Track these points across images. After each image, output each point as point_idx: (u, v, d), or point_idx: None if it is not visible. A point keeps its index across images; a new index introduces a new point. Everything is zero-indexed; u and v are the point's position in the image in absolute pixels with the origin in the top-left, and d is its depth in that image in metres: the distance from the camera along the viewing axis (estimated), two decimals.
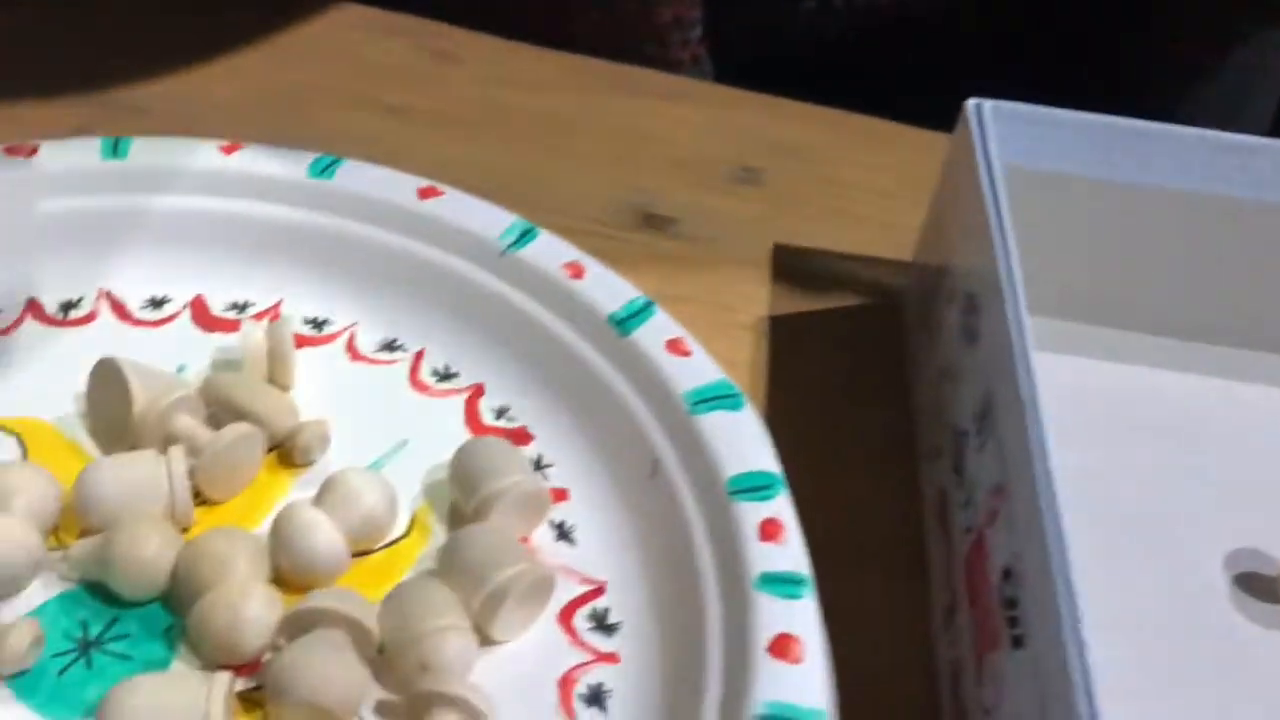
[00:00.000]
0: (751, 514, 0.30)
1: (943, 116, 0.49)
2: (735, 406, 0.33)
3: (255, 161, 0.39)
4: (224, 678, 0.26)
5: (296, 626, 0.28)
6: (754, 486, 0.31)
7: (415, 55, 0.52)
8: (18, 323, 0.37)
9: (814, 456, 0.35)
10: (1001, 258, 0.31)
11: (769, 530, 0.30)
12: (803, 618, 0.28)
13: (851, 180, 0.48)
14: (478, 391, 0.36)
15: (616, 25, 0.53)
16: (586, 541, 0.33)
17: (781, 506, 0.30)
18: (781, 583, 0.28)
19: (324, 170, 0.39)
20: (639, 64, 0.52)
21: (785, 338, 0.40)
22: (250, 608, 0.27)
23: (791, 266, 0.43)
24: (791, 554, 0.29)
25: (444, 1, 0.53)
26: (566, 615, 0.31)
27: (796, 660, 0.27)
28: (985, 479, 0.29)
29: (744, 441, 0.32)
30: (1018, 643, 0.25)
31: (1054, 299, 0.38)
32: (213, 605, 0.27)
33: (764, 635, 0.27)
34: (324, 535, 0.29)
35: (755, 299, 0.42)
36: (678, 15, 0.53)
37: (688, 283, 0.42)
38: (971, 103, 0.37)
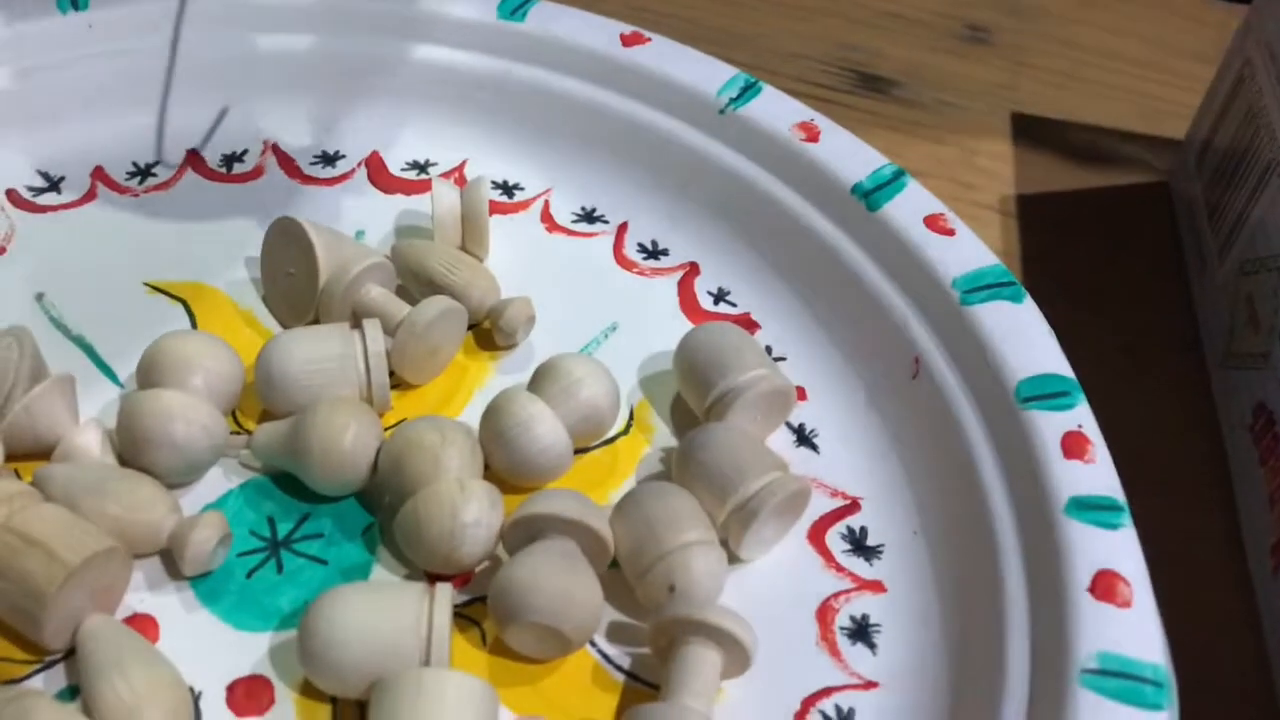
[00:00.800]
0: (1050, 425, 0.25)
1: None
2: (1015, 298, 0.27)
3: (440, 0, 0.34)
4: (446, 590, 0.22)
5: (521, 533, 0.24)
6: (1049, 393, 0.26)
7: None
8: (177, 177, 0.33)
9: (1083, 359, 0.29)
10: None
11: (1074, 445, 0.25)
12: (1126, 551, 0.23)
13: (1092, 45, 0.42)
14: (693, 271, 0.32)
15: None
16: (833, 449, 0.28)
17: (1084, 417, 0.25)
18: (1096, 509, 0.24)
19: (514, 12, 0.34)
20: None
21: (1036, 221, 0.35)
22: (471, 509, 0.23)
23: (1035, 140, 0.38)
24: (1103, 474, 0.24)
25: None
26: (818, 533, 0.26)
27: (1125, 603, 0.22)
28: None
29: (1030, 339, 0.27)
30: None
31: None
32: (429, 504, 0.23)
33: (1084, 572, 0.22)
34: (547, 429, 0.25)
35: (998, 175, 0.36)
36: None
37: (919, 155, 0.37)
38: None
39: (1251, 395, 0.28)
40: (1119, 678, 0.21)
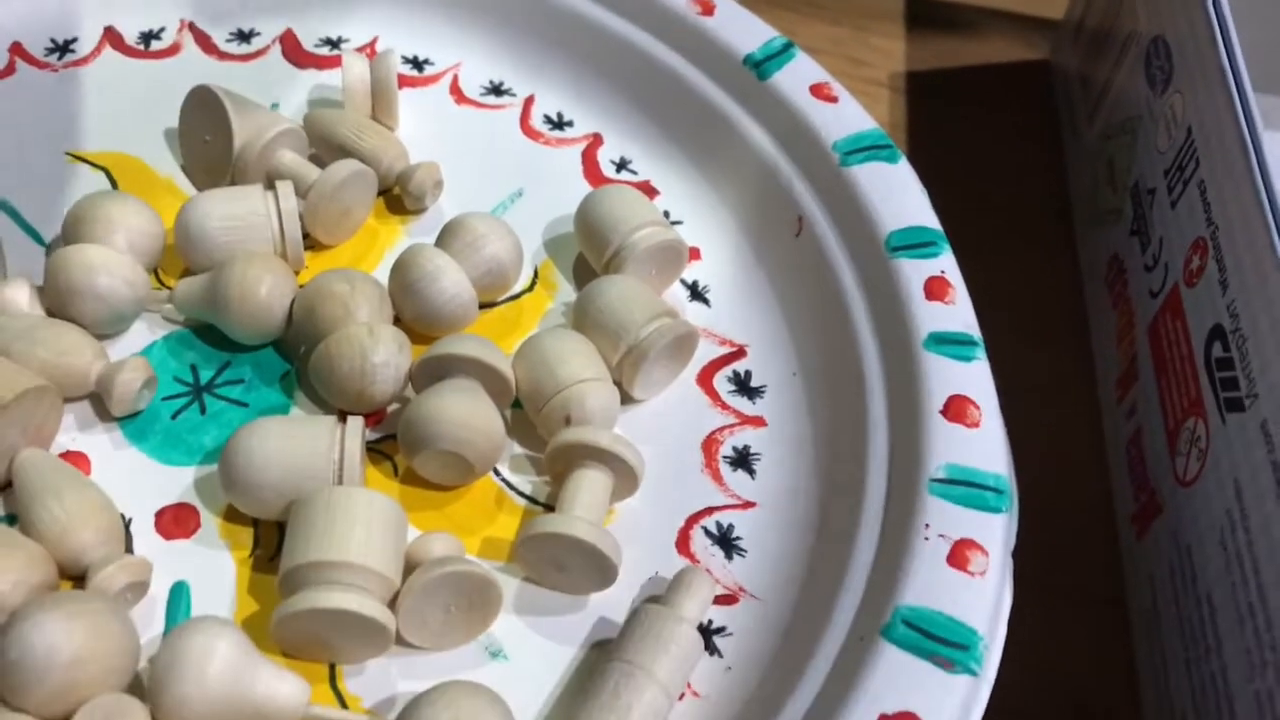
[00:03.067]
0: (915, 271, 0.27)
1: None
2: (891, 159, 0.30)
3: None
4: (357, 421, 0.24)
5: (428, 374, 0.26)
6: (916, 243, 0.28)
7: None
8: (96, 53, 0.33)
9: (960, 220, 0.32)
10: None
11: (936, 288, 0.27)
12: (977, 380, 0.25)
13: None
14: (596, 141, 0.33)
15: None
16: (722, 303, 0.30)
17: (947, 264, 0.27)
18: (953, 343, 0.26)
19: None
20: None
21: (923, 95, 0.37)
22: (381, 350, 0.25)
23: (927, 19, 0.39)
24: (961, 314, 0.27)
25: None
26: (706, 377, 0.29)
27: (974, 424, 0.25)
28: (1179, 235, 0.26)
29: (902, 195, 0.29)
30: (1234, 406, 0.23)
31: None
32: (340, 346, 0.25)
33: (937, 397, 0.25)
34: (451, 279, 0.27)
35: (889, 53, 0.38)
36: None
37: (815, 35, 0.38)
38: None
39: (1108, 248, 0.31)
40: (964, 485, 0.24)
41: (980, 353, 0.26)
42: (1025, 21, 0.40)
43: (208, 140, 0.30)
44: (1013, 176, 0.35)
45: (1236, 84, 0.25)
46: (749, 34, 0.32)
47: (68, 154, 0.31)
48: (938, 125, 0.36)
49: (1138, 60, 0.31)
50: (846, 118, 0.30)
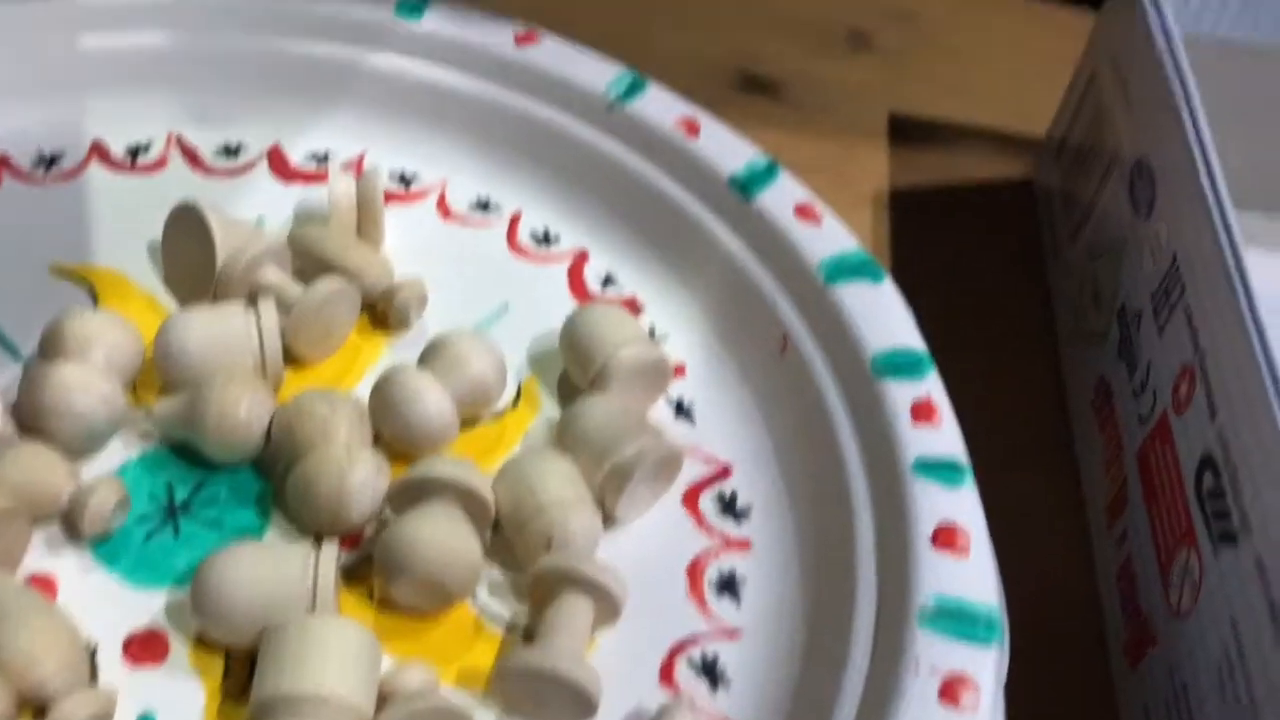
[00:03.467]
0: (901, 393, 0.27)
1: None
2: (875, 278, 0.30)
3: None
4: (331, 548, 0.24)
5: (406, 496, 0.25)
6: (902, 364, 0.28)
7: None
8: (82, 167, 0.34)
9: (945, 339, 0.32)
10: (1186, 120, 0.28)
11: (922, 411, 0.27)
12: (966, 507, 0.25)
13: (967, 50, 0.44)
14: (582, 257, 0.33)
15: None
16: (708, 420, 0.30)
17: (933, 386, 0.27)
18: (940, 468, 0.26)
19: (412, 10, 0.35)
20: None
21: (908, 212, 0.37)
22: (358, 472, 0.25)
23: (910, 138, 0.40)
24: (948, 438, 0.26)
25: None
26: (691, 497, 0.28)
27: (963, 552, 0.24)
28: (1167, 361, 0.26)
29: (886, 316, 0.29)
30: (1227, 538, 0.22)
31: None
32: (316, 469, 0.25)
33: (925, 524, 0.25)
34: (433, 400, 0.27)
35: (874, 171, 0.38)
36: None
37: (800, 151, 0.39)
38: None
39: (1094, 370, 0.31)
40: (954, 617, 0.23)
41: (968, 478, 0.26)
42: (1009, 139, 0.40)
43: (191, 256, 0.30)
44: (997, 295, 0.35)
45: (1220, 213, 0.25)
46: (734, 155, 0.32)
47: (51, 268, 0.31)
48: (922, 242, 0.36)
49: (1121, 183, 0.31)
50: (830, 237, 0.31)
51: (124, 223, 0.32)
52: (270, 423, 0.26)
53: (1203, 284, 0.25)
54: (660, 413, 0.30)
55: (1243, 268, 0.23)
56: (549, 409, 0.30)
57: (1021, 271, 0.36)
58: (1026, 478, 0.30)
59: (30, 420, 0.26)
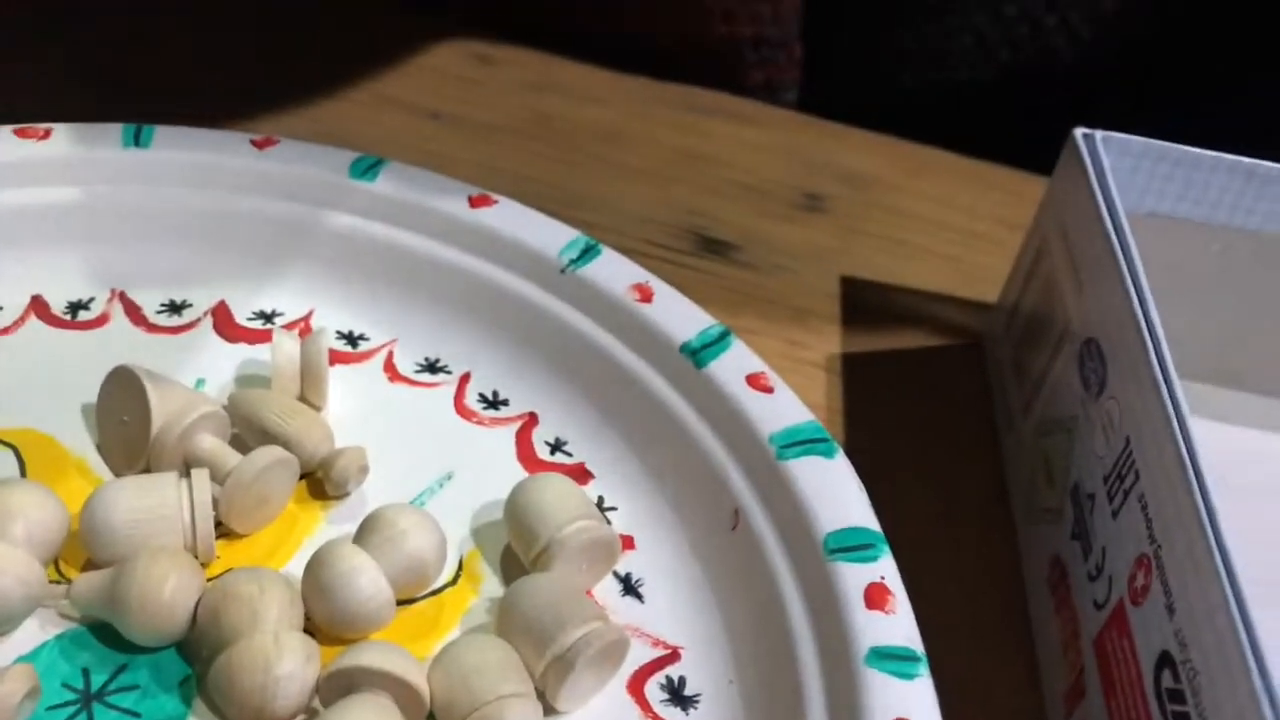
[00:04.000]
0: (854, 577, 0.26)
1: (1007, 151, 0.47)
2: (828, 453, 0.29)
3: (291, 158, 0.35)
4: None
5: (336, 686, 0.24)
6: (855, 545, 0.27)
7: (459, 60, 0.48)
8: (20, 322, 0.33)
9: (897, 512, 0.31)
10: (1136, 305, 0.28)
11: (876, 597, 0.26)
12: (921, 699, 0.24)
13: (919, 214, 0.45)
14: (531, 421, 0.33)
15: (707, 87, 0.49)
16: (657, 599, 0.29)
17: (887, 569, 0.27)
18: (895, 659, 0.25)
19: (366, 171, 0.35)
20: None
21: (859, 378, 0.37)
22: (285, 663, 0.24)
23: (862, 302, 0.40)
24: (903, 625, 0.26)
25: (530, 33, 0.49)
26: (637, 683, 0.27)
27: None
28: (1122, 549, 0.26)
29: (840, 493, 0.28)
30: None
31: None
32: (242, 658, 0.24)
33: (879, 719, 0.24)
34: (368, 582, 0.26)
35: (826, 335, 0.38)
36: (769, 78, 0.49)
37: (753, 314, 0.39)
38: (1079, 132, 0.34)
39: (1049, 548, 0.30)
40: None
41: (923, 669, 0.25)
42: (960, 302, 0.40)
43: (125, 421, 0.29)
44: (949, 464, 0.35)
45: (1175, 405, 0.25)
46: (686, 321, 0.32)
47: None
48: (873, 409, 0.36)
49: (1071, 360, 0.31)
50: (783, 409, 0.30)
51: (59, 382, 0.31)
52: (196, 603, 0.25)
53: (1157, 474, 0.25)
54: (608, 588, 0.29)
55: (1197, 463, 0.23)
56: (491, 586, 0.29)
57: (975, 440, 0.36)
58: (982, 659, 0.30)
59: None
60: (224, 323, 0.34)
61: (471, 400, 0.33)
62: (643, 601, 0.29)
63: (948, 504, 0.34)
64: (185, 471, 0.28)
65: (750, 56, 0.49)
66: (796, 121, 0.48)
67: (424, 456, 0.31)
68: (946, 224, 0.44)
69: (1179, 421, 0.25)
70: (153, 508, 0.26)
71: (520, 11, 0.50)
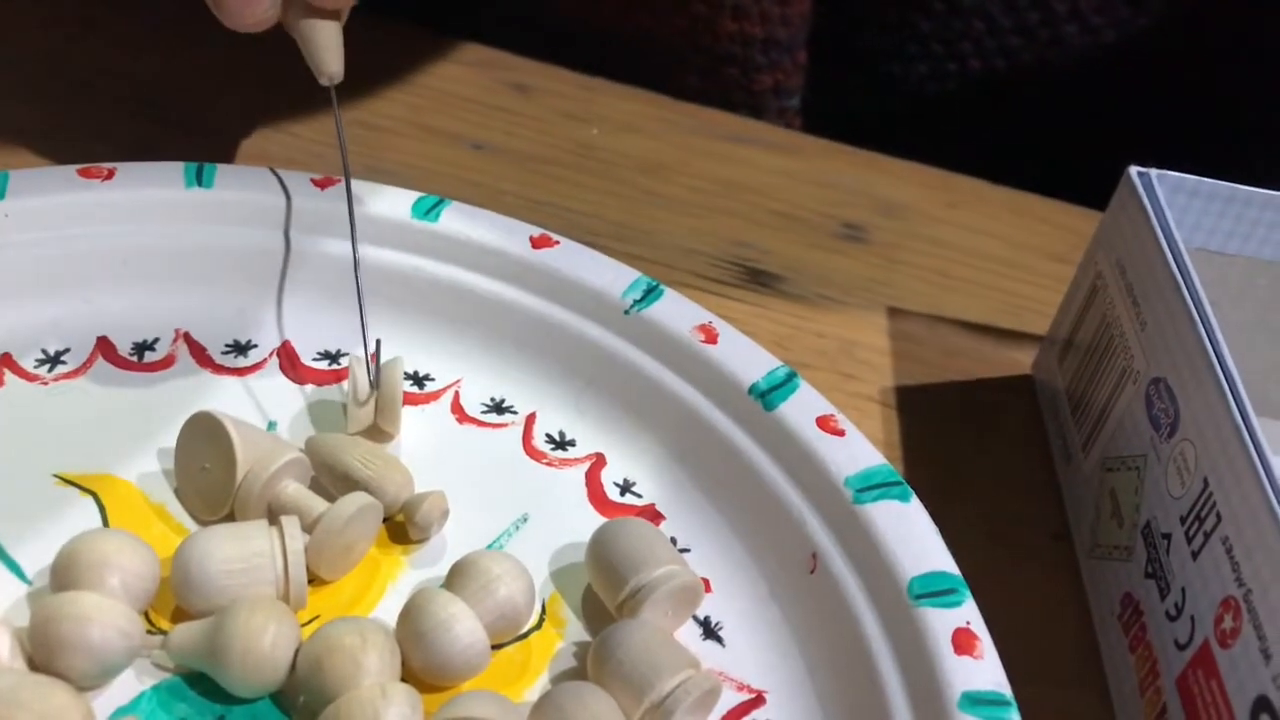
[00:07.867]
0: (941, 622, 0.27)
1: (1042, 183, 0.47)
2: (903, 497, 0.29)
3: (353, 198, 0.35)
4: None
5: None
6: (939, 590, 0.27)
7: (495, 89, 0.49)
8: (88, 364, 0.33)
9: (956, 549, 0.31)
10: (1209, 346, 0.29)
11: (964, 642, 0.26)
12: None
13: (958, 244, 0.45)
14: (599, 462, 0.33)
15: (716, 90, 0.50)
16: (737, 642, 0.29)
17: (971, 613, 0.27)
18: (987, 704, 0.25)
19: (429, 212, 0.35)
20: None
21: (913, 412, 0.37)
22: (392, 715, 0.24)
23: (910, 334, 0.40)
24: (991, 670, 0.26)
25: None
26: None
27: None
28: (1204, 590, 0.26)
29: (918, 537, 0.29)
30: None
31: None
32: (351, 710, 0.24)
33: None
34: (465, 628, 0.26)
35: (877, 368, 0.39)
36: (778, 82, 0.50)
37: (804, 348, 0.39)
38: (1134, 170, 0.35)
39: (1119, 586, 0.31)
40: None
41: (1014, 713, 0.25)
42: (1007, 335, 0.41)
43: (207, 468, 0.29)
44: (1006, 500, 0.35)
45: (1256, 444, 0.25)
46: (752, 363, 0.33)
47: (55, 475, 0.30)
48: (929, 443, 0.36)
49: (1137, 398, 0.31)
50: (855, 453, 0.31)
51: (130, 425, 0.31)
52: (295, 653, 0.25)
53: (1243, 518, 0.25)
54: (689, 632, 0.29)
55: None
56: (575, 629, 0.29)
57: (1033, 473, 0.36)
58: (1056, 701, 0.30)
59: (43, 654, 0.25)
60: (290, 363, 0.34)
61: (540, 441, 0.33)
62: (723, 645, 0.29)
63: (1009, 539, 0.34)
64: (271, 519, 0.28)
65: (760, 60, 0.49)
66: (829, 149, 0.48)
67: (497, 498, 0.32)
68: (985, 254, 0.45)
69: (1263, 463, 0.25)
70: (246, 557, 0.26)
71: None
